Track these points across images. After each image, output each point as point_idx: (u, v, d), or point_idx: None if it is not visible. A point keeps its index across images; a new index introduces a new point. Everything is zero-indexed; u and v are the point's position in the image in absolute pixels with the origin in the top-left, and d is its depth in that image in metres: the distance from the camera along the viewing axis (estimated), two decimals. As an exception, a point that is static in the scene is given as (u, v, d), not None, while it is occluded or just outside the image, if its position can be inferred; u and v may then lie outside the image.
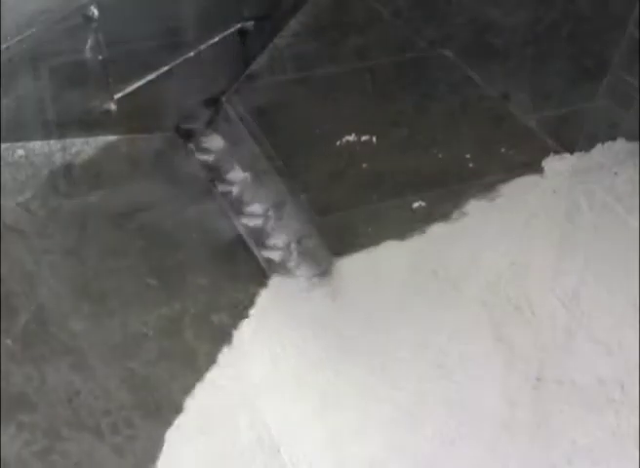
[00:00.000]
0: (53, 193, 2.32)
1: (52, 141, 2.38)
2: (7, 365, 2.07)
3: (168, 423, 2.23)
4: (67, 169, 2.38)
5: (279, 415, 2.22)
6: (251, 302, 2.48)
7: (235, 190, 2.71)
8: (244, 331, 2.38)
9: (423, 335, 2.30)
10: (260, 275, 2.55)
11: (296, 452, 2.17)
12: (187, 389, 2.29)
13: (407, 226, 2.46)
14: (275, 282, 2.54)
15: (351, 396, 2.25)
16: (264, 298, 2.47)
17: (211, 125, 2.79)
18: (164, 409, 2.24)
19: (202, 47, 2.43)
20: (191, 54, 2.42)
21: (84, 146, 2.44)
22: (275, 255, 2.60)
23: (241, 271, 2.55)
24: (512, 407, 2.12)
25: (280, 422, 2.22)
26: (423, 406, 2.20)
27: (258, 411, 2.24)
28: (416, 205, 2.47)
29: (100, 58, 2.15)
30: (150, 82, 2.39)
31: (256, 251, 2.62)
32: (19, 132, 2.28)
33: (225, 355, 2.33)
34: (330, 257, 2.54)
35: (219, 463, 2.11)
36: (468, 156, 2.42)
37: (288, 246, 2.61)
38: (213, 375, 2.29)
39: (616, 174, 2.21)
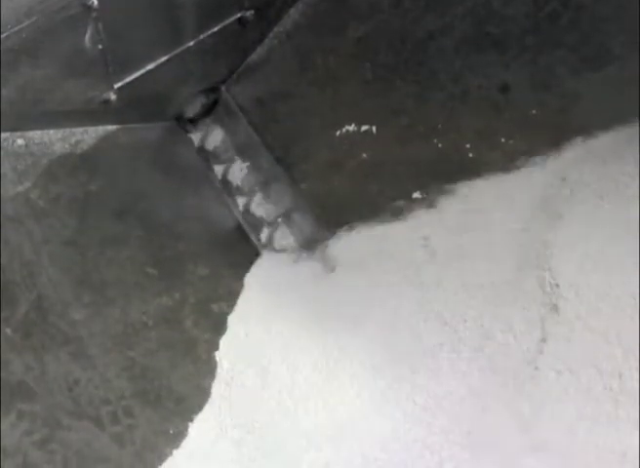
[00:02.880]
0: (52, 183, 2.32)
1: (51, 131, 2.38)
2: (7, 354, 2.07)
3: (168, 412, 2.25)
4: (67, 158, 2.38)
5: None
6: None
7: (235, 180, 2.72)
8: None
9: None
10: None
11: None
12: (187, 378, 2.31)
13: (406, 215, 2.47)
14: (272, 272, 2.56)
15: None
16: (261, 288, 2.49)
17: (210, 114, 2.79)
18: (164, 399, 2.25)
19: (202, 36, 2.42)
20: (191, 43, 2.41)
21: (84, 136, 2.44)
22: (275, 245, 2.61)
23: (240, 260, 2.56)
24: (510, 396, 2.13)
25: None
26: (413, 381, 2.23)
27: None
28: (415, 194, 2.47)
29: (100, 47, 2.15)
30: (150, 71, 2.38)
31: (255, 240, 2.63)
32: (18, 121, 2.28)
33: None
34: (331, 248, 2.55)
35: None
36: (468, 146, 2.41)
37: (287, 235, 2.61)
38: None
39: (614, 163, 2.21)
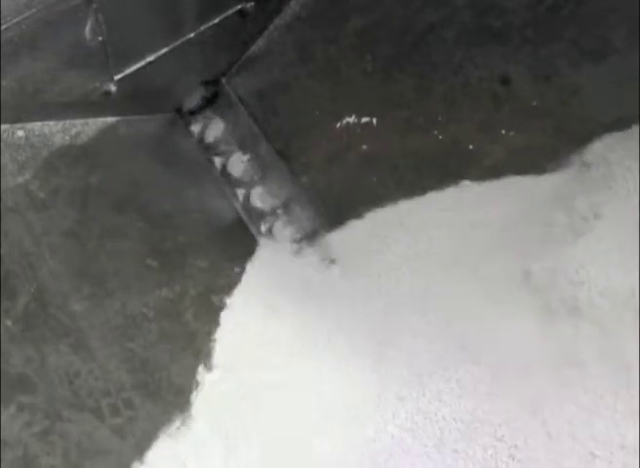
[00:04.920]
0: (52, 174, 2.33)
1: (51, 123, 2.38)
2: (7, 346, 2.08)
3: (168, 404, 2.25)
4: (67, 150, 2.38)
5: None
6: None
7: (235, 172, 2.71)
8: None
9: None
10: (259, 257, 2.57)
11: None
12: (187, 370, 2.31)
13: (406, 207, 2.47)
14: (273, 264, 2.56)
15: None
16: (262, 280, 2.50)
17: (211, 107, 2.79)
18: (164, 391, 2.26)
19: (202, 28, 2.42)
20: (191, 35, 2.41)
21: (84, 128, 2.44)
22: (275, 237, 2.61)
23: (241, 252, 2.56)
24: (509, 389, 2.13)
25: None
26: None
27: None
28: (415, 187, 2.47)
29: (100, 39, 2.14)
30: (150, 63, 2.38)
31: (255, 232, 2.63)
32: (18, 113, 2.28)
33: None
34: (330, 240, 2.54)
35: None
36: (468, 138, 2.41)
37: (287, 227, 2.61)
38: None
39: (615, 156, 2.21)
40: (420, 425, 2.19)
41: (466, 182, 2.38)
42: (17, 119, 2.31)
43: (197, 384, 2.33)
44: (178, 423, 2.26)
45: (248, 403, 2.33)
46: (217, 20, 2.44)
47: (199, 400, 2.31)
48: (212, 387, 2.34)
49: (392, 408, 2.22)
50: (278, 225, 2.63)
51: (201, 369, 2.35)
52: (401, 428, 2.20)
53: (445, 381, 2.22)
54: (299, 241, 2.59)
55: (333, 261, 2.50)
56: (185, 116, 2.79)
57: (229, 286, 2.49)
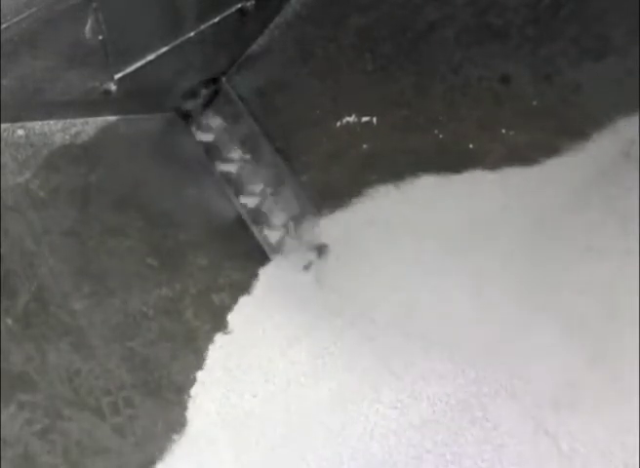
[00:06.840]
0: (53, 173, 2.32)
1: (52, 122, 2.38)
2: (7, 344, 2.08)
3: (168, 403, 2.25)
4: (67, 149, 2.38)
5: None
6: (248, 283, 2.50)
7: (235, 170, 2.71)
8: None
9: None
10: (259, 255, 2.57)
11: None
12: (187, 369, 2.31)
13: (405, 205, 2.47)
14: (272, 262, 2.56)
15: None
16: (261, 280, 2.50)
17: (211, 105, 2.79)
18: (164, 389, 2.26)
19: (202, 27, 2.42)
20: (191, 34, 2.41)
21: (84, 127, 2.44)
22: (274, 236, 2.61)
23: (241, 251, 2.56)
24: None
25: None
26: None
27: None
28: (415, 186, 2.47)
29: (100, 38, 2.14)
30: (150, 62, 2.38)
31: (255, 231, 2.63)
32: (19, 112, 2.28)
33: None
34: (330, 238, 2.55)
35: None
36: (469, 137, 2.41)
37: (286, 226, 2.62)
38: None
39: (615, 153, 2.22)
40: (405, 403, 2.21)
41: (466, 181, 2.39)
42: (17, 118, 2.31)
43: (197, 382, 2.33)
44: (178, 421, 2.27)
45: (247, 399, 2.34)
46: (217, 19, 2.44)
47: (200, 397, 2.32)
48: (212, 385, 2.35)
49: (378, 387, 2.24)
50: (278, 223, 2.64)
51: (201, 367, 2.35)
52: (387, 406, 2.23)
53: (429, 362, 2.24)
54: (298, 238, 2.60)
55: (331, 258, 2.51)
56: (185, 115, 2.79)
57: (230, 285, 2.49)
